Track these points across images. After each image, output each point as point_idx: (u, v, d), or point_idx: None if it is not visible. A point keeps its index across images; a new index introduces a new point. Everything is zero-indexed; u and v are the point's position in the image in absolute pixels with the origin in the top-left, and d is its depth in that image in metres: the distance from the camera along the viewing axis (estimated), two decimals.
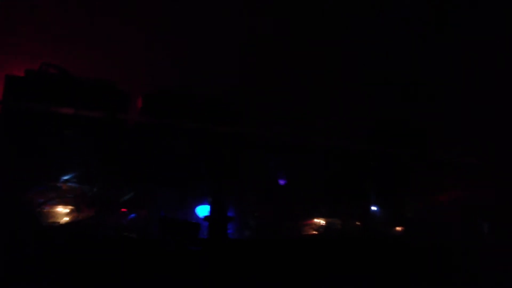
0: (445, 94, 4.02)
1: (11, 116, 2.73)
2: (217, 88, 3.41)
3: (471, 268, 3.23)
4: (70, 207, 2.88)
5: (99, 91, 2.90)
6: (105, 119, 2.84)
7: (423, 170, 3.51)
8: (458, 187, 3.60)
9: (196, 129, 3.04)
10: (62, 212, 2.86)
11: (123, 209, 2.99)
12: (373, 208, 3.48)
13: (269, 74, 3.96)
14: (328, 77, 4.06)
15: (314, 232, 3.38)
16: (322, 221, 3.41)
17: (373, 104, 3.91)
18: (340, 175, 3.41)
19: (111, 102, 2.89)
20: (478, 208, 3.57)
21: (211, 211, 2.98)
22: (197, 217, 3.10)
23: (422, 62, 4.15)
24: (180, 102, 3.09)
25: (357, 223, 3.45)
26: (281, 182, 3.36)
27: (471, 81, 4.05)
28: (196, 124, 3.05)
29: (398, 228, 3.56)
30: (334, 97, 3.92)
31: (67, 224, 2.82)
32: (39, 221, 2.75)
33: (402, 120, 3.64)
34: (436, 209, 3.58)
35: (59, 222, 2.82)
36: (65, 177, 2.83)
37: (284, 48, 4.05)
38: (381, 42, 4.18)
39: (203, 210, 3.10)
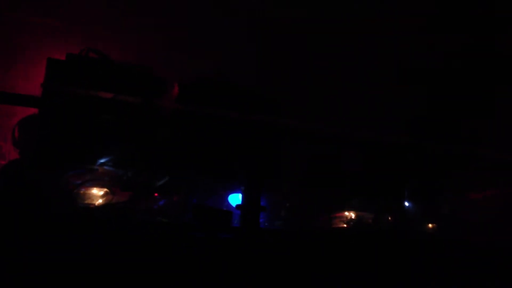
0: (488, 89, 3.92)
1: (52, 99, 2.78)
2: (252, 77, 3.41)
3: (506, 268, 3.16)
4: (105, 189, 2.93)
5: (137, 76, 2.92)
6: (142, 104, 2.86)
7: (461, 166, 3.44)
8: (497, 185, 3.52)
9: (230, 118, 3.04)
10: (97, 194, 2.92)
11: (155, 194, 3.03)
12: (407, 203, 3.43)
13: (305, 65, 3.93)
14: (364, 69, 4.01)
15: (344, 225, 3.36)
16: (352, 214, 3.39)
17: (412, 97, 3.84)
18: (374, 168, 3.36)
19: (148, 88, 2.92)
20: None
21: (243, 200, 2.98)
22: (229, 205, 3.12)
23: (469, 56, 4.05)
24: (215, 90, 3.10)
25: (389, 218, 3.41)
26: (312, 173, 3.34)
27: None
28: (230, 112, 3.04)
29: (432, 225, 3.51)
30: (370, 89, 3.87)
31: (101, 206, 2.88)
32: (75, 202, 2.82)
33: (441, 115, 3.56)
34: (473, 206, 3.51)
35: (94, 204, 2.88)
36: (101, 161, 2.87)
37: (323, 40, 4.01)
38: (423, 34, 4.09)
39: (235, 199, 3.11)
